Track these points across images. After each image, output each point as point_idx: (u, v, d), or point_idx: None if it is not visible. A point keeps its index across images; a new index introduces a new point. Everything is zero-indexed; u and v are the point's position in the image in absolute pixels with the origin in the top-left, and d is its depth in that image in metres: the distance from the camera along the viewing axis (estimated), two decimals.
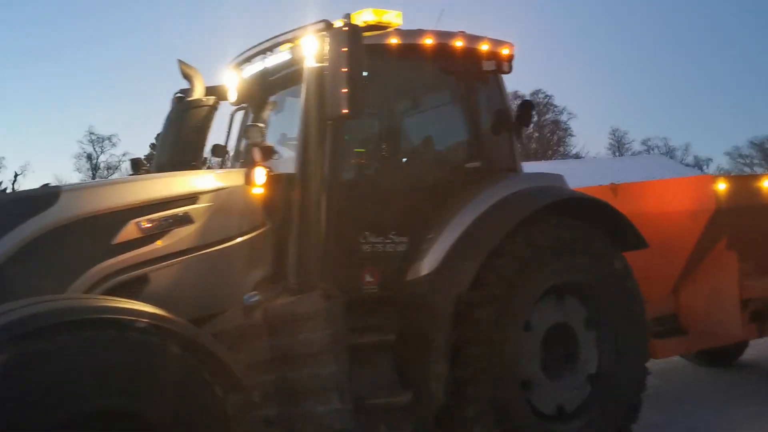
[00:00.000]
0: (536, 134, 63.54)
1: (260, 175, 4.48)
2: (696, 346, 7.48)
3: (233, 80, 5.80)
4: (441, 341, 4.72)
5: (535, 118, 63.85)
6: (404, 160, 5.47)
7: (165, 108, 6.01)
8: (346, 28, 4.26)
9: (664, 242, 7.02)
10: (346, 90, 4.16)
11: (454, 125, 5.65)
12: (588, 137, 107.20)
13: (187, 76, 5.92)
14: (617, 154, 65.77)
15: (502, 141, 5.70)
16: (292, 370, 4.32)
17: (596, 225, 5.56)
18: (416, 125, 5.66)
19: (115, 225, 4.35)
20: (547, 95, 63.64)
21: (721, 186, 6.63)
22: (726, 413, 7.00)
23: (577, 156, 59.87)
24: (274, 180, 4.72)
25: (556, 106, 64.11)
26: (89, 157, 63.54)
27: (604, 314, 5.59)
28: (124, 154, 63.63)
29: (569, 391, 5.42)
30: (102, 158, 64.06)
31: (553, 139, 64.13)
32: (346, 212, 4.79)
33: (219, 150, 6.04)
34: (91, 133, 64.48)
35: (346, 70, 4.17)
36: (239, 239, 4.82)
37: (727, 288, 6.86)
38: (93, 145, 64.77)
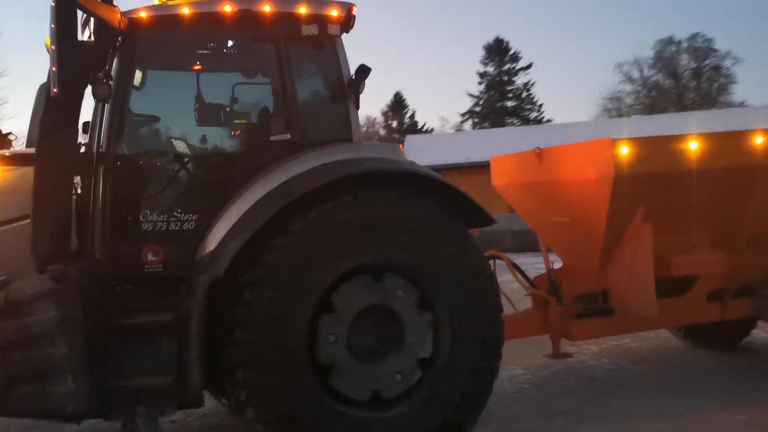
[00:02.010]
0: (693, 83, 58.80)
1: None
2: (620, 330, 6.73)
3: None
4: (197, 323, 4.56)
5: (693, 65, 59.15)
6: (200, 135, 5.27)
7: None
8: (53, 3, 4.14)
9: (582, 212, 6.41)
10: (55, 69, 4.07)
11: (266, 96, 5.36)
12: (760, 83, 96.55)
13: None
14: None
15: (332, 111, 5.33)
16: (33, 350, 4.38)
17: (429, 200, 5.08)
18: (222, 97, 5.40)
19: None
20: (706, 38, 58.53)
21: (623, 150, 5.82)
22: (655, 404, 6.23)
23: (741, 104, 54.69)
24: None
25: (716, 51, 58.77)
26: None
27: (439, 296, 5.14)
28: None
29: (389, 377, 5.06)
30: None
31: (713, 88, 58.89)
32: (123, 190, 4.75)
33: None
34: None
35: (54, 47, 4.08)
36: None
37: (642, 264, 6.06)
38: None
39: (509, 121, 61.27)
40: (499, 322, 5.30)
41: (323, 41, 5.27)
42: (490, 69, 63.21)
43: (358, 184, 4.89)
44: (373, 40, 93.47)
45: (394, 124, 67.72)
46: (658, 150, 5.97)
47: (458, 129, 61.30)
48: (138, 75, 5.18)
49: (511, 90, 63.50)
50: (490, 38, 63.03)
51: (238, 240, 4.58)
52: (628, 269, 6.19)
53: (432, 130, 65.80)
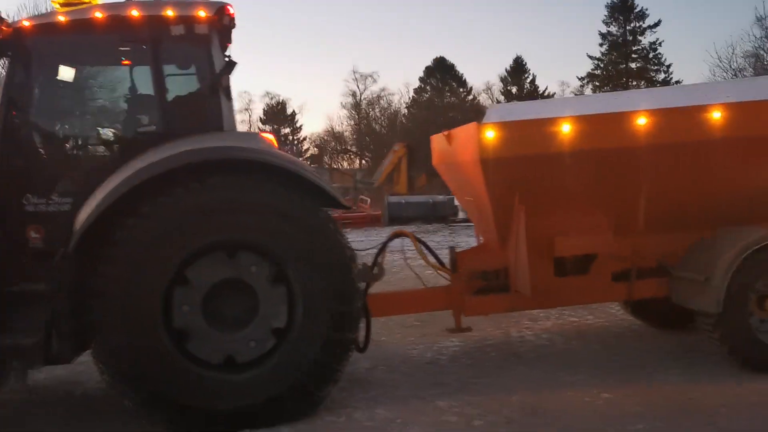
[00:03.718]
0: None
1: None
2: (514, 307, 6.84)
3: None
4: (55, 290, 5.29)
5: None
6: (78, 128, 5.97)
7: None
8: None
9: (476, 194, 6.65)
10: None
11: (140, 91, 5.96)
12: None
13: None
14: None
15: (204, 103, 5.87)
16: None
17: (279, 184, 5.53)
18: (99, 93, 6.07)
19: None
20: None
21: (489, 134, 5.98)
22: (540, 380, 6.41)
23: None
24: None
25: None
26: (354, 95, 68.19)
27: (292, 271, 5.60)
28: (382, 89, 68.22)
29: (244, 343, 5.60)
30: (364, 95, 68.31)
31: None
32: (9, 177, 5.57)
33: None
34: (355, 72, 69.54)
35: None
36: None
37: (520, 245, 6.23)
38: (356, 83, 69.44)
39: (633, 83, 58.77)
40: (351, 297, 5.69)
41: (194, 40, 5.81)
42: (613, 29, 60.75)
43: (209, 169, 5.43)
44: (493, 2, 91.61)
45: (514, 89, 66.70)
46: (526, 133, 6.04)
47: (577, 93, 59.55)
48: (70, 72, 6.00)
49: (636, 50, 60.81)
50: None
51: (87, 222, 5.27)
52: (513, 249, 6.37)
53: (554, 94, 64.36)
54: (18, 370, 5.38)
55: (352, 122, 66.14)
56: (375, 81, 74.52)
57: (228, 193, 5.44)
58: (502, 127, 5.96)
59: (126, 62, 6.09)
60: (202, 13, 5.77)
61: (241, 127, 67.86)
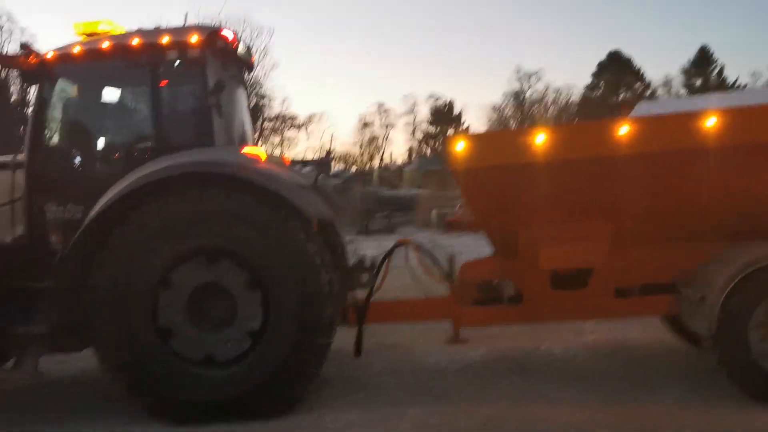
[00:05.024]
0: None
1: None
2: (508, 319, 6.68)
3: None
4: (60, 289, 6.04)
5: None
6: (87, 144, 6.69)
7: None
8: None
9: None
10: None
11: (141, 112, 6.60)
12: None
13: None
14: None
15: (198, 120, 6.43)
16: None
17: (249, 196, 5.91)
18: (108, 113, 6.78)
19: None
20: None
21: (460, 145, 5.95)
22: (515, 393, 6.33)
23: None
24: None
25: None
26: (517, 95, 67.18)
27: (264, 278, 5.98)
28: (546, 88, 66.61)
29: (222, 343, 6.05)
30: (528, 93, 67.14)
31: None
32: (35, 189, 6.43)
33: None
34: (518, 71, 68.48)
35: None
36: None
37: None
38: (520, 82, 68.33)
39: None
40: (317, 302, 5.95)
41: (188, 62, 6.37)
42: None
43: (191, 181, 5.93)
44: None
45: (698, 82, 62.43)
46: (497, 144, 5.97)
47: None
48: (116, 92, 6.86)
49: None
50: None
51: (80, 230, 5.99)
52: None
53: (745, 86, 59.64)
54: (31, 356, 6.19)
55: (513, 122, 65.25)
56: (539, 79, 72.06)
57: (201, 204, 5.93)
58: (472, 138, 5.95)
59: (131, 84, 6.78)
60: (194, 39, 6.34)
61: (405, 129, 69.38)
